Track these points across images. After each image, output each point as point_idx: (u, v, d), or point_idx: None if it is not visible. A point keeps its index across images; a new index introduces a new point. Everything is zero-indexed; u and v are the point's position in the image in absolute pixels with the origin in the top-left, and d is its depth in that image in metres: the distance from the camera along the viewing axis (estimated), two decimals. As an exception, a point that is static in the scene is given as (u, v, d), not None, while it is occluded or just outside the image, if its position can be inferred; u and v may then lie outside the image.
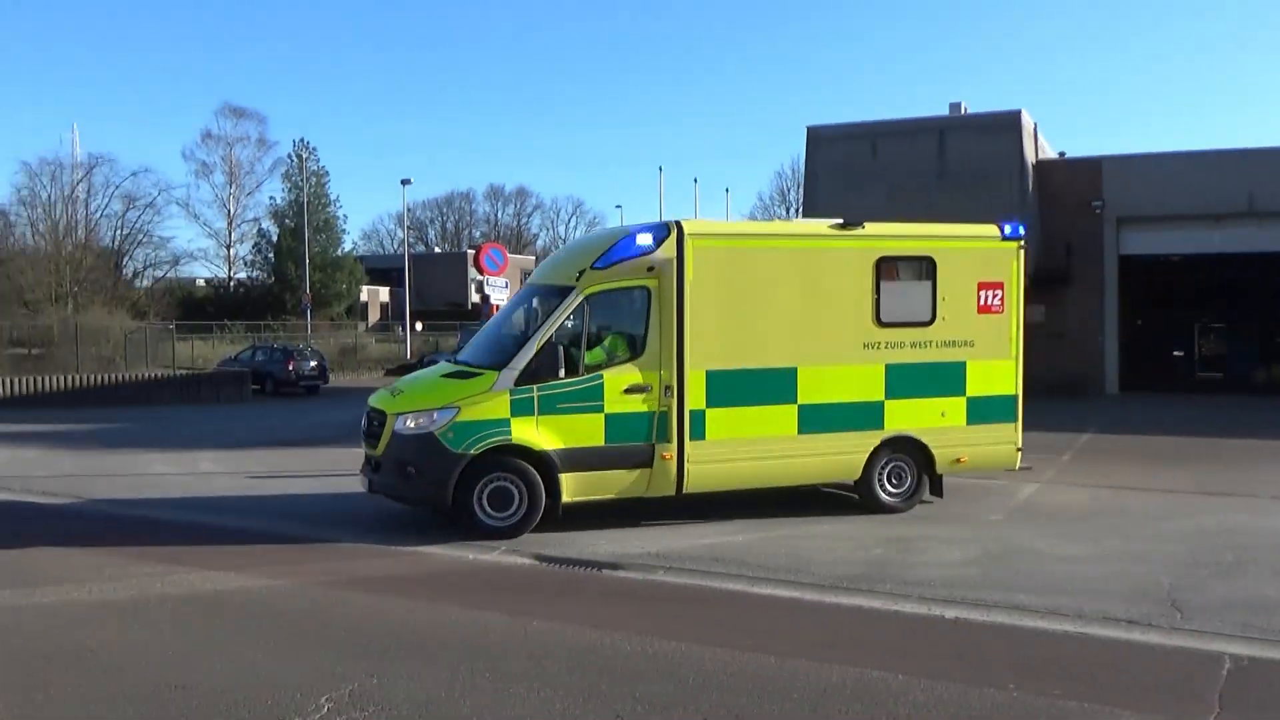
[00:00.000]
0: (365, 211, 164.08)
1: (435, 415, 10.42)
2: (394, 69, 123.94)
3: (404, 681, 6.21)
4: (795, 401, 11.25)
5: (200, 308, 63.23)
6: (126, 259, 67.88)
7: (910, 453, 11.72)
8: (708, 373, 10.91)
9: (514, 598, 8.31)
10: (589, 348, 10.83)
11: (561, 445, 10.50)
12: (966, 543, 10.14)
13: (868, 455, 11.51)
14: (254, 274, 72.10)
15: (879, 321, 11.50)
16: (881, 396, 11.52)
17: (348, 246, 74.38)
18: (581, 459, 10.57)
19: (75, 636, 7.19)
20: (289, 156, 68.95)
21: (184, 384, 30.58)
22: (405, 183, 55.20)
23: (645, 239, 10.80)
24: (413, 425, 10.47)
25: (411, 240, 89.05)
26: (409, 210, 70.48)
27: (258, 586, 8.66)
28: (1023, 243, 12.14)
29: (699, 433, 10.89)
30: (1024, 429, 12.30)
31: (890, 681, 6.22)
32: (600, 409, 10.63)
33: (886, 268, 11.63)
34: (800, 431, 11.27)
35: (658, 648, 6.87)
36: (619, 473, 10.77)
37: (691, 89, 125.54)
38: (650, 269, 10.79)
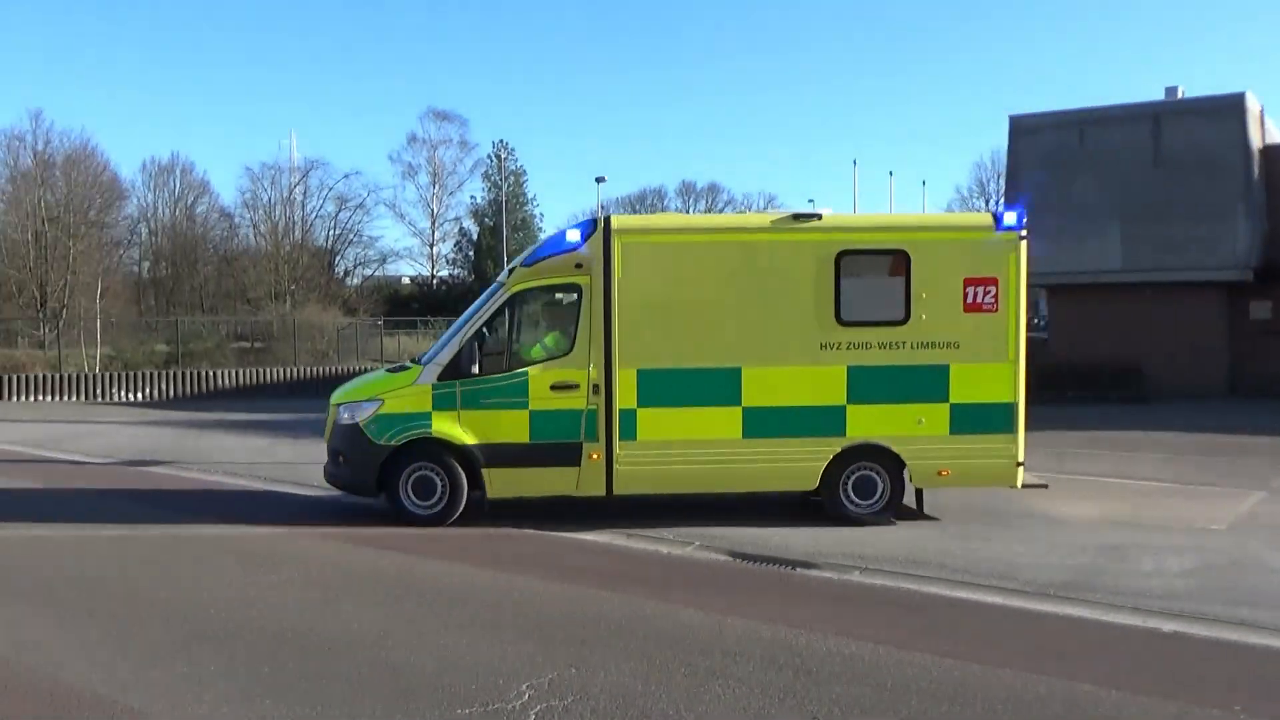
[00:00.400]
0: (561, 210, 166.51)
1: (361, 407, 10.99)
2: (587, 68, 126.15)
3: (601, 672, 6.31)
4: (739, 404, 10.72)
5: (405, 304, 65.97)
6: (338, 258, 71.62)
7: (881, 462, 10.85)
8: (639, 371, 10.70)
9: (709, 593, 8.32)
10: (528, 345, 11.16)
11: (485, 440, 10.72)
12: (1185, 552, 9.56)
13: (827, 463, 10.77)
14: (455, 272, 74.81)
15: (840, 320, 10.71)
16: (843, 401, 10.72)
17: (544, 244, 76.11)
18: (506, 455, 10.71)
19: (296, 616, 7.61)
20: (488, 157, 71.31)
21: (391, 377, 31.92)
22: (599, 180, 56.02)
23: (573, 236, 10.83)
24: (347, 417, 11.07)
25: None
26: (602, 208, 71.56)
27: (459, 572, 8.97)
28: (1024, 232, 10.70)
29: (629, 433, 10.71)
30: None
31: (1102, 697, 5.92)
32: (525, 405, 10.71)
33: (849, 262, 10.76)
34: (745, 435, 10.73)
35: (854, 650, 6.75)
36: (546, 470, 10.79)
37: (889, 79, 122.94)
38: (579, 266, 10.77)
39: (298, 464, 15.53)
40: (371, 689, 6.07)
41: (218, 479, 14.29)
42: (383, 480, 10.89)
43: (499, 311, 11.00)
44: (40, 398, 28.51)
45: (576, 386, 10.69)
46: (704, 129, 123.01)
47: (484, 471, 10.77)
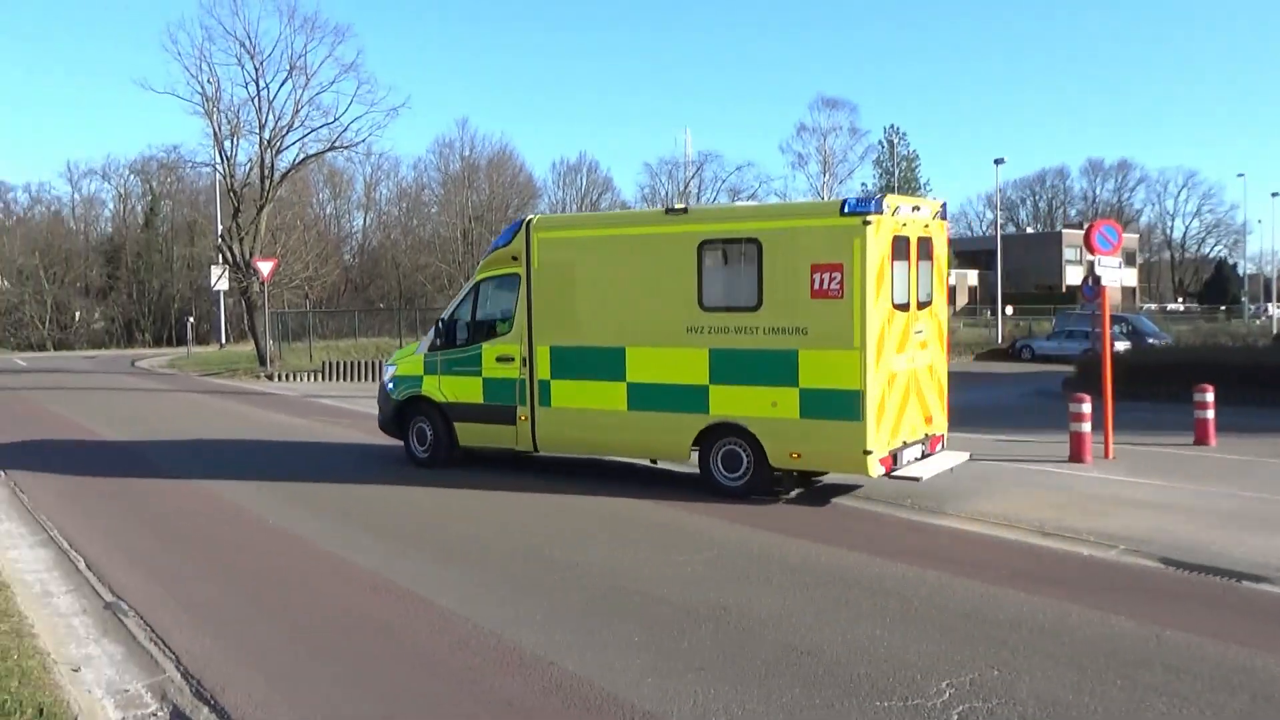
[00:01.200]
0: (954, 194, 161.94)
1: (387, 370, 14.69)
2: (980, 50, 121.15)
3: (1027, 677, 5.97)
4: (624, 379, 12.00)
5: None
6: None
7: (743, 440, 11.39)
8: (551, 348, 12.55)
9: (1140, 601, 7.63)
10: (484, 323, 13.43)
11: (453, 400, 13.50)
12: None
13: (693, 438, 11.64)
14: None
15: (702, 306, 11.47)
16: (706, 381, 11.48)
17: (938, 229, 74.18)
18: (467, 412, 13.39)
19: (704, 593, 7.82)
20: (879, 143, 70.37)
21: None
22: (998, 162, 53.62)
23: (510, 233, 13.09)
24: (383, 377, 14.56)
25: (1000, 221, 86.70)
26: (1000, 191, 68.53)
27: (863, 562, 8.82)
28: (868, 217, 10.42)
29: (545, 400, 12.64)
30: None
31: None
32: (479, 373, 13.22)
33: (709, 251, 11.52)
34: (630, 408, 12.01)
35: (1324, 678, 5.96)
36: (493, 427, 13.12)
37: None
38: (515, 258, 12.86)
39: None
40: (784, 672, 6.11)
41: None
42: (400, 428, 14.06)
43: (469, 294, 13.67)
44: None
45: (512, 359, 12.88)
46: (1113, 102, 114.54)
47: (454, 425, 13.49)
